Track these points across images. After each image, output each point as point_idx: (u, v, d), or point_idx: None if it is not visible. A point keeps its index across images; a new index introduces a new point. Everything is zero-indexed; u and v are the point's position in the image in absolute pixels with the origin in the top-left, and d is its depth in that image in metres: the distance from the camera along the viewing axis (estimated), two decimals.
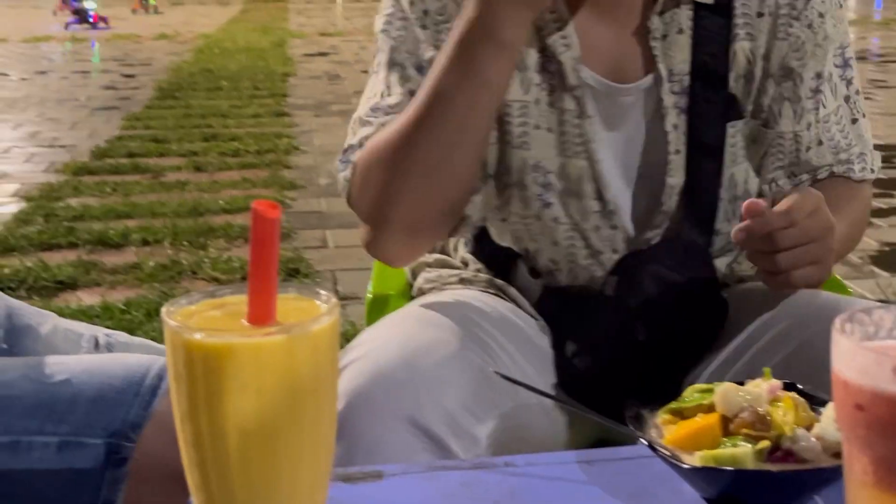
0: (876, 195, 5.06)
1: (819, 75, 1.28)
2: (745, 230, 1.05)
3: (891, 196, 5.09)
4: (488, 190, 1.31)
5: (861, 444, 0.57)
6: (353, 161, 1.26)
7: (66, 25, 19.23)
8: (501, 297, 1.32)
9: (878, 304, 0.72)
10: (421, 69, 1.25)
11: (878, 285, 3.71)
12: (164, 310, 0.62)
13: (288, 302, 0.63)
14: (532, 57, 1.26)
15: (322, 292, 0.64)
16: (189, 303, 0.63)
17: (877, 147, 1.34)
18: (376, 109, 1.27)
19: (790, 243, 1.06)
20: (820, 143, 1.29)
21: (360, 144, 1.26)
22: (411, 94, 1.24)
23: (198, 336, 0.59)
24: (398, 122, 1.20)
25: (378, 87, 1.29)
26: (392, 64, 1.28)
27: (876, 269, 3.97)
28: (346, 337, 1.43)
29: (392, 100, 1.26)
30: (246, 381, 0.59)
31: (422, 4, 1.27)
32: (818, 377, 0.77)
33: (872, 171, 1.34)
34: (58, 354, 1.29)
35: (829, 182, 1.30)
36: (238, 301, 0.62)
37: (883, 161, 1.35)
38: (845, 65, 1.30)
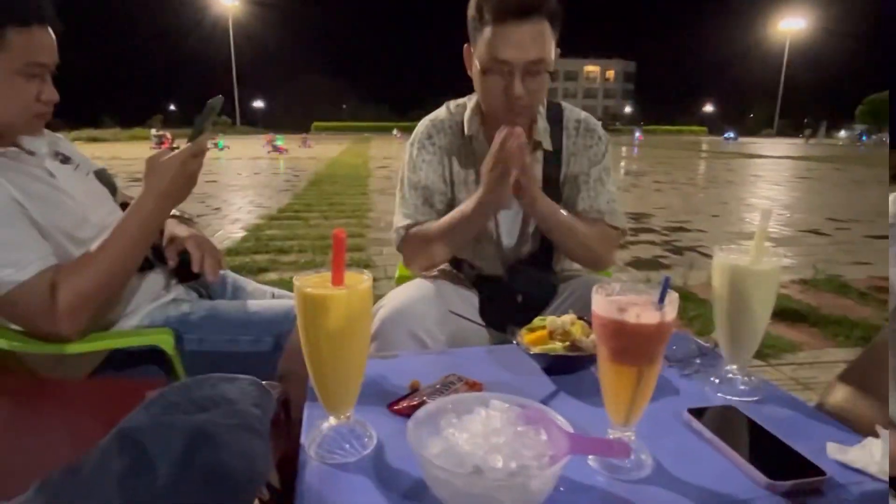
0: (633, 235, 5.07)
1: (597, 176, 1.26)
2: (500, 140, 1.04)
3: (637, 237, 5.07)
4: None
5: (603, 342, 0.57)
6: (403, 236, 1.22)
7: (268, 152, 19.11)
8: (457, 278, 1.31)
9: (616, 282, 0.73)
10: (418, 187, 1.23)
11: (631, 278, 3.72)
12: (294, 277, 0.62)
13: (350, 275, 0.63)
14: (471, 176, 1.25)
15: (365, 271, 0.64)
16: (306, 275, 0.64)
17: (629, 213, 1.31)
18: (407, 211, 1.23)
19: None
20: (598, 209, 1.25)
21: (406, 228, 1.22)
22: (421, 200, 1.21)
23: (307, 289, 0.59)
24: (434, 228, 1.16)
25: (403, 193, 1.25)
26: (408, 181, 1.25)
27: (630, 269, 3.97)
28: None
29: (415, 204, 1.23)
30: (328, 312, 0.59)
31: (421, 156, 1.24)
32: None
33: (617, 227, 1.25)
34: (254, 300, 1.28)
35: (593, 219, 1.24)
36: (328, 275, 0.62)
37: (633, 220, 1.31)
38: (609, 176, 1.30)
